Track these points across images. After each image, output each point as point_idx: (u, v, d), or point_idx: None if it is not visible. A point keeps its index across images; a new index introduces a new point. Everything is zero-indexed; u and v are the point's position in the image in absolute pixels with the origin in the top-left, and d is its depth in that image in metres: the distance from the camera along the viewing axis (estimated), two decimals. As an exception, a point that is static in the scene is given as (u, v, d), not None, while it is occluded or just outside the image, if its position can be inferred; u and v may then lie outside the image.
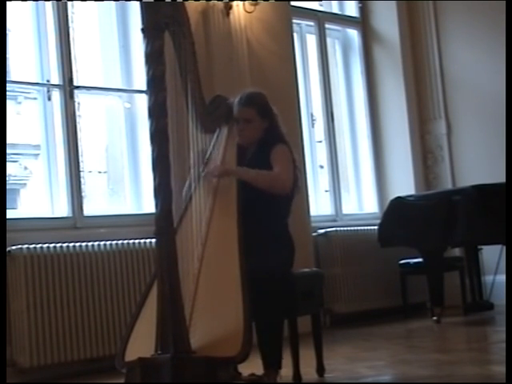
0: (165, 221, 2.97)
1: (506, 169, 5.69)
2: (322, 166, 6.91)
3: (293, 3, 6.54)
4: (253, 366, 3.33)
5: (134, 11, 5.48)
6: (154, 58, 3.00)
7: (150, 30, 3.02)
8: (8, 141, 4.46)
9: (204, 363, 2.90)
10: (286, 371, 3.68)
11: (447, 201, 5.78)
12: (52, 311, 4.59)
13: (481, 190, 5.64)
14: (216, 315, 3.09)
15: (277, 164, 3.68)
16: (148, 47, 3.01)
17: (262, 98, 3.81)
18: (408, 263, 6.39)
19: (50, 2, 5.16)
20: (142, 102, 5.40)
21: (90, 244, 4.81)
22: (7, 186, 4.58)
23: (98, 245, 4.85)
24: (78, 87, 5.18)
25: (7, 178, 4.62)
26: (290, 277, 3.66)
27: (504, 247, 5.77)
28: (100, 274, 4.82)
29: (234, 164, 3.67)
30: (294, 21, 6.56)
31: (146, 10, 3.03)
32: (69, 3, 5.22)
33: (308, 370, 3.84)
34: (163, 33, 3.07)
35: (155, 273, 3.18)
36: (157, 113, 2.99)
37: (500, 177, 5.56)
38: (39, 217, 4.97)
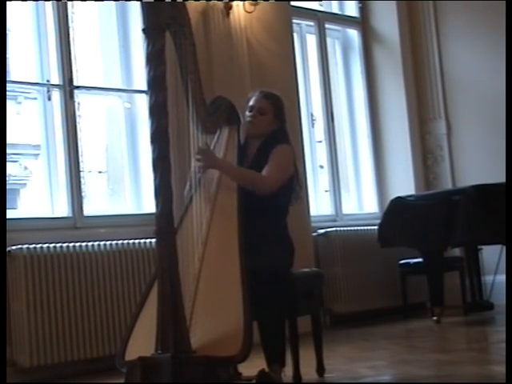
0: (165, 221, 2.97)
1: (506, 169, 5.68)
2: (322, 166, 6.91)
3: (293, 3, 6.54)
4: (253, 366, 3.33)
5: (134, 11, 5.49)
6: (154, 59, 3.00)
7: (151, 31, 3.01)
8: (8, 141, 4.46)
9: (204, 363, 2.89)
10: (286, 371, 3.67)
11: (447, 201, 5.77)
12: (52, 311, 4.59)
13: (481, 189, 5.64)
14: (216, 315, 3.08)
15: (270, 163, 3.65)
16: (149, 47, 3.01)
17: (281, 102, 3.89)
18: (408, 263, 6.39)
19: (50, 2, 5.16)
20: (142, 102, 5.41)
21: (90, 244, 4.82)
22: (7, 186, 4.58)
23: (98, 245, 4.85)
24: (78, 87, 5.18)
25: (7, 178, 4.62)
26: (289, 277, 3.66)
27: (504, 247, 5.76)
28: (100, 274, 4.82)
29: (234, 164, 3.67)
30: (294, 21, 6.56)
31: (147, 10, 3.02)
32: (69, 3, 5.22)
33: (308, 370, 3.84)
34: (164, 33, 3.07)
35: (155, 273, 3.18)
36: (157, 113, 2.99)
37: (500, 177, 5.56)
38: (39, 217, 4.97)
